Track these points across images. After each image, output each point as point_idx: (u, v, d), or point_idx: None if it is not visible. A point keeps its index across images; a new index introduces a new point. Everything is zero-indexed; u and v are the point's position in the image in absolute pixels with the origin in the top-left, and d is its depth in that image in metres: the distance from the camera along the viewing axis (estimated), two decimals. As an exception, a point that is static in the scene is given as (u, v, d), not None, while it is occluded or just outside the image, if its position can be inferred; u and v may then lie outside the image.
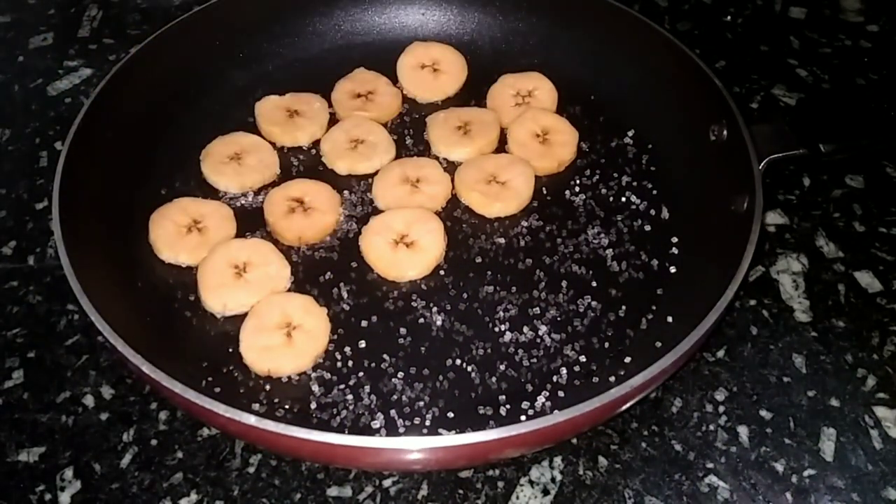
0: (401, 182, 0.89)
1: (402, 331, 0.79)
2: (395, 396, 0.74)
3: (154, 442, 0.75)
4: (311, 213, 0.87)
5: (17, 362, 0.81)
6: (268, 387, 0.75)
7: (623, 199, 0.90)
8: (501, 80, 1.00)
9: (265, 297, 0.79)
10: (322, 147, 0.94)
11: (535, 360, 0.77)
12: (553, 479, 0.73)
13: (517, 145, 0.93)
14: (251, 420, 0.62)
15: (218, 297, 0.80)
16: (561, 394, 0.75)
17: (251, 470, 0.73)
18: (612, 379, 0.75)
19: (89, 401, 0.78)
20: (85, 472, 0.73)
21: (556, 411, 0.63)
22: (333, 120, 0.97)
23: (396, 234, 0.84)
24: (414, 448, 0.62)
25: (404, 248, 0.83)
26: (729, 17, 1.19)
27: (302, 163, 0.94)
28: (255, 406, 0.73)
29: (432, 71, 1.01)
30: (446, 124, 0.95)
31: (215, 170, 0.91)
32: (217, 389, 0.74)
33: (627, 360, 0.77)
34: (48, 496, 0.72)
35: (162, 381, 0.64)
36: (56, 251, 0.88)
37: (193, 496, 0.72)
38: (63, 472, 0.73)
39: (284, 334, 0.76)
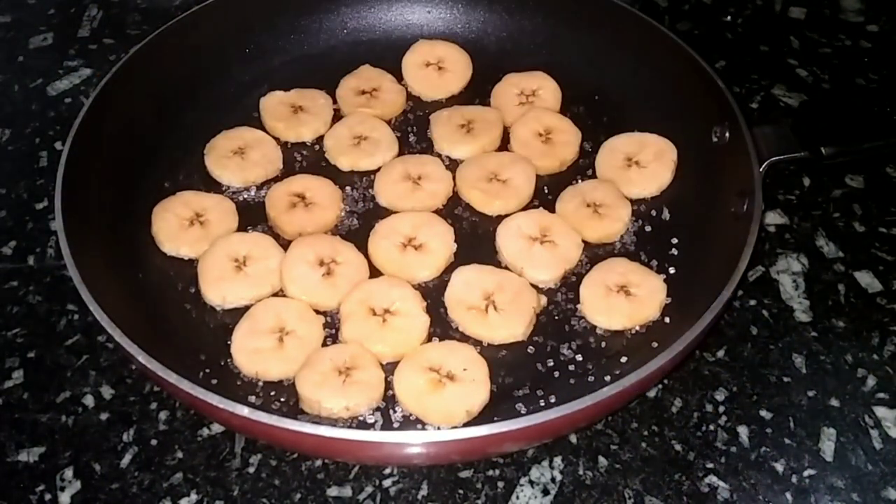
0: (402, 179, 0.89)
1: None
2: (391, 391, 0.74)
3: (154, 442, 0.75)
4: (312, 209, 0.87)
5: (17, 362, 0.81)
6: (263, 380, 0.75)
7: (623, 199, 0.91)
8: (506, 80, 1.00)
9: (262, 300, 0.79)
10: (325, 143, 0.94)
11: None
12: (553, 479, 0.73)
13: (519, 144, 0.93)
14: (245, 412, 0.62)
15: (217, 290, 0.80)
16: (558, 392, 0.75)
17: (251, 470, 0.73)
18: (608, 378, 0.75)
19: (89, 401, 0.78)
20: (85, 472, 0.73)
21: (551, 408, 0.63)
22: (337, 116, 0.97)
23: (404, 238, 0.84)
24: (413, 442, 0.63)
25: (413, 251, 0.83)
26: (729, 17, 1.19)
27: (305, 158, 0.95)
28: (252, 398, 0.73)
29: (437, 69, 1.01)
30: (450, 122, 0.95)
31: (219, 164, 0.91)
32: (214, 381, 0.74)
33: (623, 359, 0.77)
34: (48, 496, 0.72)
35: (158, 372, 0.64)
36: (56, 251, 0.89)
37: (193, 496, 0.72)
38: (63, 472, 0.73)
39: (276, 339, 0.76)
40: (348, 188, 0.91)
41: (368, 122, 0.95)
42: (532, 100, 0.98)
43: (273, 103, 0.97)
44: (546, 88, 0.99)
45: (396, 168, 0.90)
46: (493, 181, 0.89)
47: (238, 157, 0.91)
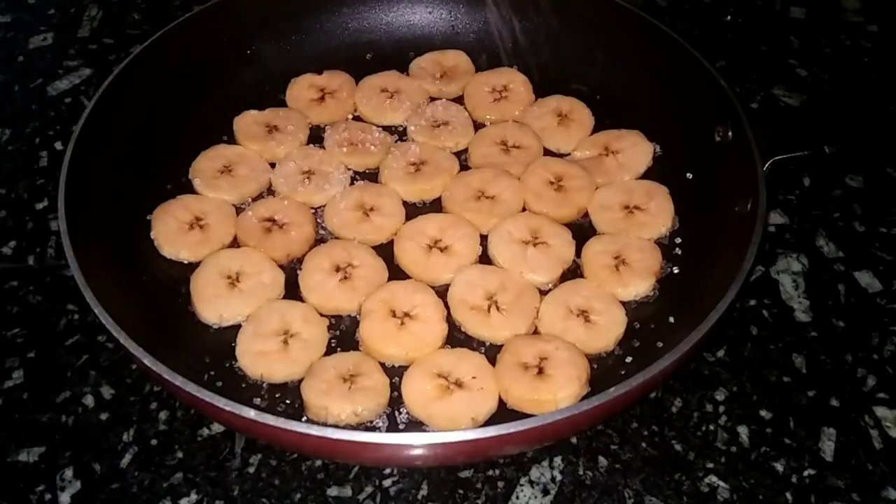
0: (354, 208, 0.87)
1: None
2: (396, 393, 0.74)
3: (154, 442, 0.75)
4: (289, 228, 0.85)
5: (17, 362, 0.81)
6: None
7: (623, 199, 0.90)
8: (475, 78, 1.00)
9: (266, 302, 0.79)
10: (273, 182, 0.90)
11: (535, 360, 0.77)
12: (553, 479, 0.73)
13: (533, 196, 0.88)
14: (251, 414, 0.62)
15: (213, 308, 0.79)
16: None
17: (251, 470, 0.73)
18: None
19: (89, 401, 0.78)
20: (85, 472, 0.73)
21: (556, 409, 0.63)
22: (313, 135, 0.96)
23: (430, 239, 0.84)
24: (415, 444, 0.63)
25: (438, 253, 0.83)
26: (729, 17, 1.19)
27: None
28: (257, 400, 0.74)
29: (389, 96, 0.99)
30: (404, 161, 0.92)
31: (210, 186, 0.89)
32: (219, 384, 0.74)
33: (629, 360, 0.77)
34: (48, 496, 0.72)
35: (164, 375, 0.64)
36: (56, 251, 0.88)
37: (193, 496, 0.72)
38: (63, 472, 0.73)
39: (281, 341, 0.76)
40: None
41: (316, 156, 0.92)
42: (506, 95, 0.98)
43: (247, 123, 0.94)
44: (516, 82, 0.99)
45: (353, 195, 0.88)
46: (481, 199, 0.88)
47: (227, 176, 0.89)
